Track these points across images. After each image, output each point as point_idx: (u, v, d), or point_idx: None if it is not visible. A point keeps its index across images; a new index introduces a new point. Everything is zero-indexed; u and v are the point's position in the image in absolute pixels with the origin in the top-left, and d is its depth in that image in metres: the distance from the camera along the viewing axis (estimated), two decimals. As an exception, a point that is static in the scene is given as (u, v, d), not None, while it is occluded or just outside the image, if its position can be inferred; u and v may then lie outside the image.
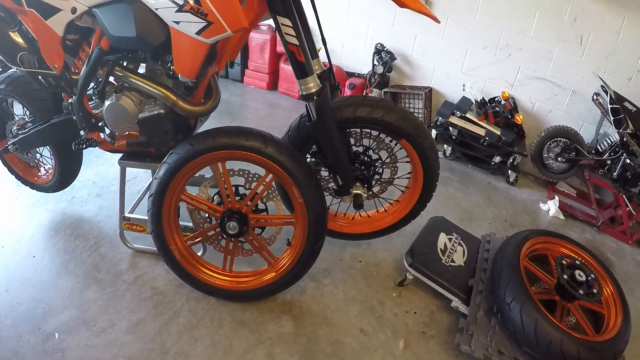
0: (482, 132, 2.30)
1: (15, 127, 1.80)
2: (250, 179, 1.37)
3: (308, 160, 1.50)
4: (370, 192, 1.54)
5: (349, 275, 1.67)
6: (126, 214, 1.63)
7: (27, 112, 1.79)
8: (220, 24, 1.08)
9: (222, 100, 3.39)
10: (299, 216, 1.35)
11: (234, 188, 1.38)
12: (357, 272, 1.69)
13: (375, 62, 2.68)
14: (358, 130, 1.48)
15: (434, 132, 2.44)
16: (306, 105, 1.29)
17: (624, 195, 2.13)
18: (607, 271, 1.60)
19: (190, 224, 1.49)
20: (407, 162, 1.52)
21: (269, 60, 3.22)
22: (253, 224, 1.38)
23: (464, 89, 2.51)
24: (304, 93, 1.24)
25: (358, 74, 2.96)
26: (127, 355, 1.37)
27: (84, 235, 1.82)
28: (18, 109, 1.91)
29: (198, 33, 1.11)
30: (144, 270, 1.64)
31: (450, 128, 2.36)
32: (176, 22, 1.13)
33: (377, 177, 1.55)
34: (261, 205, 1.41)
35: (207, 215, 1.43)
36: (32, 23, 1.39)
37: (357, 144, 1.51)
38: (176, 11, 1.11)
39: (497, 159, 2.32)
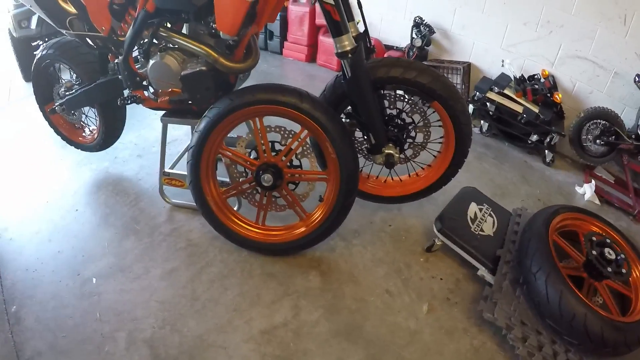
0: (519, 109, 2.29)
1: (62, 89, 1.97)
2: (286, 135, 1.46)
3: (343, 120, 1.57)
4: (403, 156, 1.60)
5: (378, 238, 1.73)
6: (166, 170, 1.77)
7: (74, 75, 1.96)
8: None
9: (261, 71, 3.55)
10: (332, 173, 1.42)
11: (270, 144, 1.48)
12: (386, 235, 1.75)
13: (414, 36, 2.71)
14: (392, 92, 1.53)
15: (471, 107, 2.44)
16: (341, 63, 1.36)
17: None
18: (638, 254, 1.56)
19: (228, 180, 1.60)
20: (439, 126, 1.57)
21: (308, 32, 3.32)
22: (287, 178, 1.47)
23: (502, 65, 2.50)
24: (339, 51, 1.30)
25: (397, 47, 3.00)
26: (160, 299, 1.50)
27: (124, 191, 1.98)
28: (65, 74, 2.09)
29: None
30: (180, 223, 1.78)
31: (487, 104, 2.36)
32: None
33: (410, 140, 1.60)
34: (296, 162, 1.50)
35: (243, 169, 1.54)
36: None
37: (391, 107, 1.56)
38: None
39: (534, 137, 2.31)
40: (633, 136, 2.21)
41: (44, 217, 1.89)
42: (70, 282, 1.59)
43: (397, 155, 1.48)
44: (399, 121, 1.56)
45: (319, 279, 1.55)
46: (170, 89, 1.58)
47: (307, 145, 1.46)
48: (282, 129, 1.46)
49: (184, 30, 1.56)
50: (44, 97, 2.07)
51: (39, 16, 2.50)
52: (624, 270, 1.39)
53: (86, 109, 2.05)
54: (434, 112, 1.52)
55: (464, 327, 1.45)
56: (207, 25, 1.45)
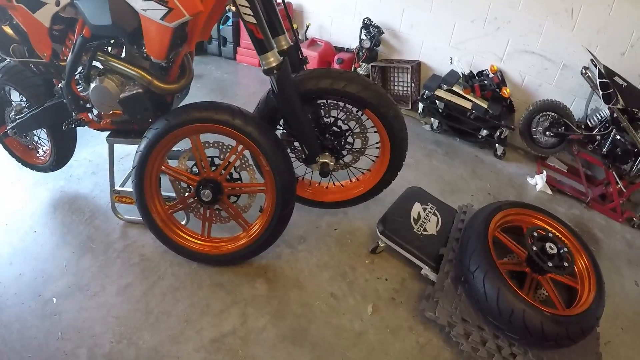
0: (468, 105, 2.39)
1: (13, 113, 2.01)
2: (224, 149, 1.54)
3: (280, 132, 1.65)
4: (342, 162, 1.68)
5: (324, 243, 1.82)
6: (116, 188, 1.84)
7: (23, 99, 2.01)
8: (179, 9, 1.25)
9: (214, 79, 3.58)
10: (268, 184, 1.50)
11: (209, 159, 1.55)
12: (332, 239, 1.84)
13: (363, 37, 2.79)
14: (326, 102, 1.61)
15: (421, 106, 2.53)
16: (270, 79, 1.44)
17: (614, 172, 2.16)
18: (583, 245, 1.61)
19: (174, 195, 1.68)
20: (375, 132, 1.65)
21: None
22: (227, 192, 1.55)
23: (451, 62, 2.59)
24: (264, 67, 1.38)
25: (347, 48, 3.07)
26: (116, 315, 1.57)
27: (80, 209, 2.04)
28: (15, 97, 2.11)
29: (162, 18, 1.28)
30: (133, 239, 1.85)
31: (436, 101, 2.45)
32: (144, 10, 1.31)
33: (348, 147, 1.68)
34: (235, 175, 1.58)
35: (186, 185, 1.62)
36: (21, 17, 1.59)
37: (327, 116, 1.65)
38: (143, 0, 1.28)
39: (484, 132, 2.41)
40: (582, 126, 2.31)
41: (3, 240, 1.93)
42: (32, 303, 1.64)
43: (332, 163, 1.57)
44: (336, 129, 1.65)
45: (265, 287, 1.64)
46: (111, 111, 1.65)
47: (245, 159, 1.54)
48: (220, 143, 1.54)
49: (124, 54, 1.63)
50: None
51: None
52: (566, 264, 1.44)
53: (38, 130, 2.11)
54: (367, 118, 1.60)
55: (409, 325, 1.54)
56: (141, 49, 1.52)
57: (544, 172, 2.33)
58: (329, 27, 3.07)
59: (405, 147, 1.65)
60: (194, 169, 1.58)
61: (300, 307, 1.58)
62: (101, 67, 1.61)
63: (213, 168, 1.55)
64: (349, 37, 3.00)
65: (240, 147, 1.49)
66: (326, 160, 1.54)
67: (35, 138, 2.15)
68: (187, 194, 1.61)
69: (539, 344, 1.35)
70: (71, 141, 2.05)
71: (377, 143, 1.68)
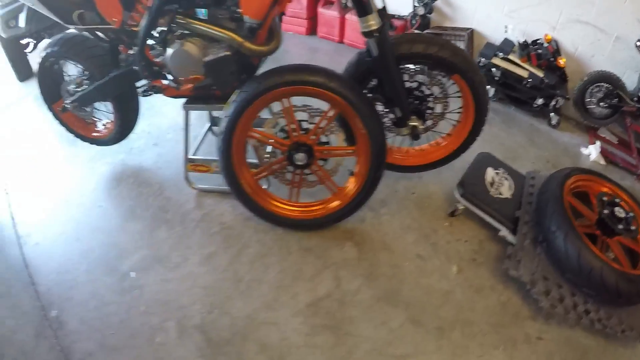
0: (525, 74, 2.42)
1: (72, 86, 1.99)
2: (313, 113, 1.56)
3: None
4: (424, 126, 1.72)
5: (404, 206, 1.87)
6: (190, 156, 1.85)
7: (82, 70, 1.97)
8: None
9: None
10: (362, 147, 1.53)
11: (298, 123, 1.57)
12: (411, 203, 1.89)
13: (416, 4, 2.80)
14: (412, 66, 1.64)
15: (477, 73, 2.56)
16: (366, 41, 1.45)
17: None
18: None
19: (254, 161, 1.70)
20: (458, 97, 1.69)
21: (307, 5, 3.37)
22: (318, 155, 1.58)
23: (506, 31, 2.61)
24: (364, 30, 1.39)
25: (398, 15, 3.05)
26: (203, 285, 1.60)
27: (146, 182, 2.05)
28: (70, 70, 2.07)
29: None
30: (210, 208, 1.87)
31: (493, 69, 2.48)
32: None
33: (429, 111, 1.72)
34: (323, 139, 1.61)
35: (271, 150, 1.63)
36: None
37: (411, 80, 1.67)
38: None
39: (540, 101, 2.45)
40: (635, 99, 2.35)
41: (66, 217, 1.94)
42: (107, 279, 1.66)
43: (422, 126, 1.60)
44: (419, 93, 1.67)
45: (354, 250, 1.68)
46: (192, 76, 1.63)
47: (334, 122, 1.56)
48: (309, 107, 1.56)
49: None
50: (51, 95, 2.08)
51: (27, 14, 2.49)
52: (633, 227, 1.55)
53: (97, 103, 2.09)
54: (452, 84, 1.63)
55: (490, 284, 1.61)
56: (229, 9, 1.50)
57: (597, 142, 2.40)
58: (381, -9, 3.05)
59: (486, 112, 1.69)
60: (280, 133, 1.60)
61: (390, 269, 1.63)
62: (177, 30, 1.57)
63: (302, 132, 1.57)
64: (400, 3, 2.98)
65: (333, 111, 1.51)
66: (416, 124, 1.57)
67: (95, 111, 2.13)
68: (272, 160, 1.64)
69: (612, 300, 1.45)
70: (135, 112, 2.04)
71: (459, 108, 1.72)
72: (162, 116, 2.43)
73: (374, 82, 1.60)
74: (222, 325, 1.48)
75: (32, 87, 3.04)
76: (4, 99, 2.83)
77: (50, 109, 2.13)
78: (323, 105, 1.53)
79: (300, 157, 1.54)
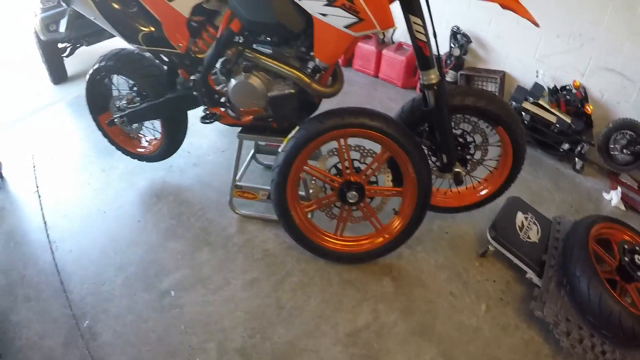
0: (553, 119, 2.68)
1: (123, 102, 2.16)
2: (365, 154, 1.77)
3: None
4: (465, 172, 1.95)
5: (438, 245, 2.08)
6: (238, 182, 2.05)
7: (132, 86, 2.14)
8: (371, 21, 1.39)
9: None
10: (409, 188, 1.75)
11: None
12: (444, 242, 2.10)
13: (452, 45, 3.05)
14: (459, 115, 1.86)
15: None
16: (424, 92, 1.65)
17: None
18: None
19: (303, 193, 1.90)
20: (497, 145, 1.92)
21: None
22: (368, 194, 1.79)
23: (537, 76, 2.87)
24: (425, 83, 1.59)
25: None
26: (245, 310, 1.74)
27: (187, 201, 2.23)
28: (120, 84, 2.23)
29: (347, 27, 1.42)
30: (253, 234, 2.06)
31: (523, 113, 2.74)
32: (323, 14, 1.41)
33: (469, 157, 1.95)
34: (373, 178, 1.82)
35: (322, 184, 1.84)
36: (154, 4, 1.70)
37: (456, 128, 1.90)
38: (325, 5, 1.39)
39: (566, 146, 2.71)
40: None
41: (103, 228, 2.08)
42: (145, 295, 1.78)
43: (464, 173, 1.83)
44: (462, 140, 1.90)
45: (391, 284, 1.88)
46: (253, 108, 1.82)
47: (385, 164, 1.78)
48: (362, 148, 1.77)
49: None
50: (98, 107, 2.27)
51: (68, 20, 2.67)
52: None
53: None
54: (495, 133, 1.87)
55: (515, 323, 1.80)
56: (297, 48, 1.65)
57: (619, 188, 2.65)
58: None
59: (523, 162, 1.92)
60: (332, 170, 1.81)
61: (425, 304, 1.82)
62: (242, 62, 1.71)
63: (354, 170, 1.78)
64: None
65: (385, 153, 1.73)
66: (460, 170, 1.80)
67: (143, 128, 2.31)
68: (322, 195, 1.84)
69: (628, 342, 1.65)
70: (183, 134, 2.23)
71: (498, 156, 1.95)
72: (202, 137, 2.62)
73: (423, 127, 1.82)
74: (263, 350, 1.62)
75: (66, 92, 3.25)
76: (38, 101, 2.99)
77: (95, 120, 2.30)
78: (374, 146, 1.73)
79: (352, 196, 1.74)
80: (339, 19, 1.42)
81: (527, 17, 1.50)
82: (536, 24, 1.54)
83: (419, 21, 1.50)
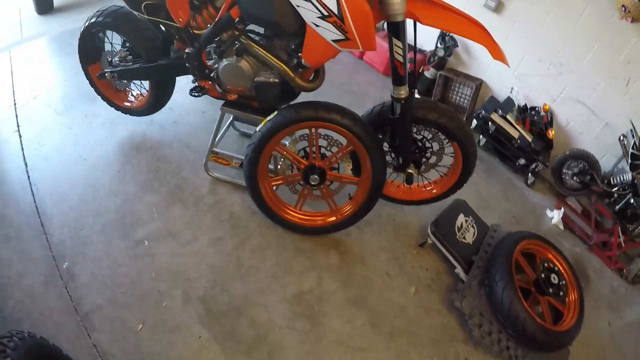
0: (515, 134, 3.16)
1: (116, 58, 2.39)
2: (332, 143, 2.17)
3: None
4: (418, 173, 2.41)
5: (384, 229, 2.53)
6: (214, 149, 2.41)
7: (124, 42, 2.35)
8: (356, 42, 1.66)
9: None
10: (364, 180, 2.16)
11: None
12: (390, 228, 2.56)
13: (439, 45, 3.44)
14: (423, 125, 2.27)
15: (474, 122, 3.26)
16: (392, 102, 2.00)
17: (619, 228, 2.90)
18: (577, 281, 2.32)
19: (272, 167, 2.29)
20: (451, 156, 2.36)
21: None
22: (328, 179, 2.21)
23: (511, 91, 3.31)
24: (395, 96, 1.92)
25: (419, 49, 3.70)
26: (209, 264, 2.11)
27: (165, 157, 2.56)
28: (114, 39, 2.38)
29: (334, 41, 1.69)
30: (222, 196, 2.44)
31: (490, 122, 3.20)
32: (316, 25, 1.67)
33: (424, 160, 2.39)
34: (335, 165, 2.23)
35: (290, 164, 2.23)
36: None
37: (418, 133, 2.29)
38: (319, 17, 1.65)
39: (522, 161, 3.20)
40: (605, 181, 3.03)
41: (83, 174, 2.34)
42: (121, 242, 2.06)
43: (416, 174, 2.29)
44: (421, 144, 2.35)
45: (337, 257, 2.32)
46: (239, 88, 2.14)
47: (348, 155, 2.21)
48: (330, 137, 2.17)
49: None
50: (88, 57, 2.47)
51: None
52: (561, 293, 2.17)
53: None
54: (450, 145, 2.29)
55: (437, 309, 2.26)
56: (288, 45, 1.96)
57: (562, 209, 3.17)
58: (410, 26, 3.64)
59: (470, 175, 2.35)
60: (301, 152, 2.22)
61: (363, 279, 2.27)
62: (235, 45, 2.02)
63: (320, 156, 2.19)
64: (424, 39, 3.59)
65: (350, 146, 2.15)
66: (412, 172, 2.25)
67: (131, 84, 2.58)
68: (291, 173, 2.24)
69: (529, 345, 2.10)
70: (169, 95, 2.53)
71: (450, 165, 2.41)
72: (184, 94, 2.83)
73: (387, 129, 2.24)
74: (221, 300, 1.96)
75: (50, 25, 3.35)
76: (21, 31, 3.05)
77: (85, 68, 2.52)
78: (341, 138, 2.10)
79: (314, 179, 2.17)
80: (328, 32, 1.69)
81: (499, 59, 1.79)
82: (507, 64, 1.86)
83: (400, 44, 1.76)
